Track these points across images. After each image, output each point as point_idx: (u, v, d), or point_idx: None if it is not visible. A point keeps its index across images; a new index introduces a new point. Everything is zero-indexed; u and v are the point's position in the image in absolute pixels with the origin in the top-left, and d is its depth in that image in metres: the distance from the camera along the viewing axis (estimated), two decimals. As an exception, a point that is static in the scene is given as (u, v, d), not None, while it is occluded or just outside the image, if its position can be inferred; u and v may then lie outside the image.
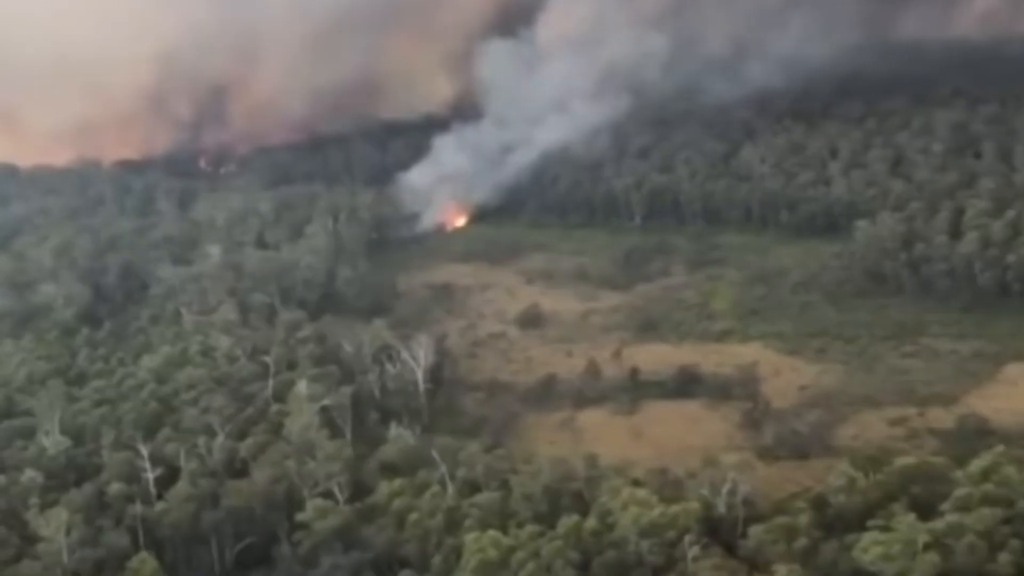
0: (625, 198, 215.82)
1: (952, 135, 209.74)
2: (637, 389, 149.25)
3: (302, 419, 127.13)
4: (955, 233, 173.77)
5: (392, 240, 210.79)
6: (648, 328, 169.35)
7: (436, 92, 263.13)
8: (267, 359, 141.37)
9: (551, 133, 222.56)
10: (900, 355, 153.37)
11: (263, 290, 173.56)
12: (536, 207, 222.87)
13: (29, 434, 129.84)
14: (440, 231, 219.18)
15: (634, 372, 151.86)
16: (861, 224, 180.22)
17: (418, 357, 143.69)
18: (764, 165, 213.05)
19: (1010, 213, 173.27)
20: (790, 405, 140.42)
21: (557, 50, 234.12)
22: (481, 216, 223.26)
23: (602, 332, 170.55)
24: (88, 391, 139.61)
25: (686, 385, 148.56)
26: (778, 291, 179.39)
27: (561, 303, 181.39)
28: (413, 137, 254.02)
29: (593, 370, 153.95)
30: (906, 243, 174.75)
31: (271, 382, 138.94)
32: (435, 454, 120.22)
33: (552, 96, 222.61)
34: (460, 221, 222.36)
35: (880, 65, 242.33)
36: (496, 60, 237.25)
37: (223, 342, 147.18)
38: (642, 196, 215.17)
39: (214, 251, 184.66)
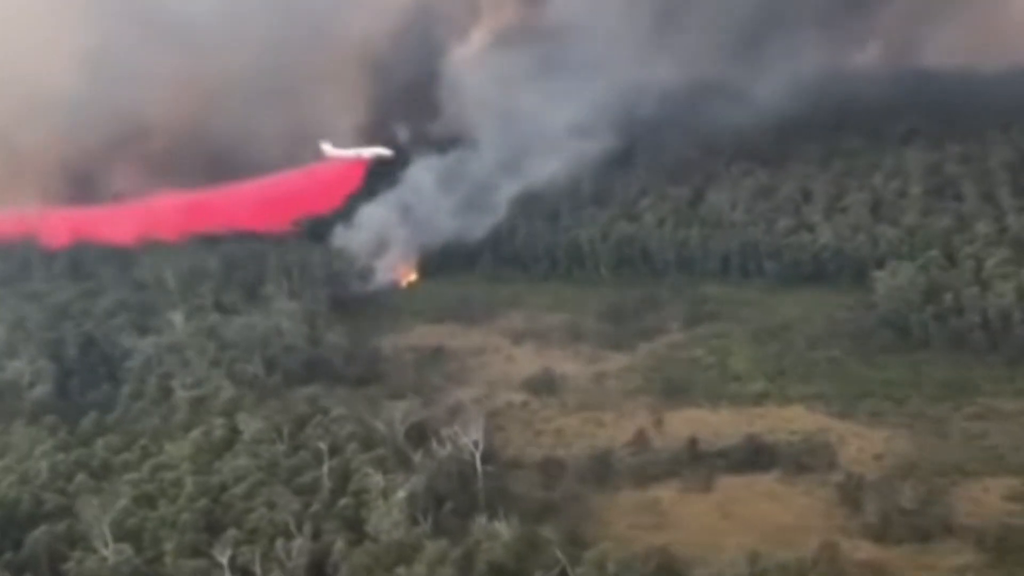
0: (591, 248, 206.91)
1: (927, 177, 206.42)
2: (699, 461, 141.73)
3: (391, 516, 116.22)
4: (980, 283, 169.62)
5: (346, 299, 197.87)
6: (674, 392, 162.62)
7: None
8: (320, 445, 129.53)
9: (535, 172, 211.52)
10: (965, 417, 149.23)
11: (246, 359, 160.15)
12: (491, 259, 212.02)
13: (76, 541, 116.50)
14: (395, 288, 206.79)
15: (693, 443, 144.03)
16: (879, 275, 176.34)
17: (475, 436, 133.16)
18: (736, 211, 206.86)
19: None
20: (877, 477, 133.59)
21: (550, 70, 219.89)
22: (430, 270, 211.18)
23: (625, 398, 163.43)
24: (123, 486, 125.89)
25: (753, 456, 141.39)
26: (795, 347, 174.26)
27: (564, 365, 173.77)
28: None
29: (642, 441, 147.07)
30: (927, 294, 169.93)
31: (326, 469, 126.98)
32: (559, 553, 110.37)
33: (541, 127, 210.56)
34: (412, 276, 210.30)
35: (819, 101, 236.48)
36: (480, 80, 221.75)
37: (252, 424, 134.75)
38: (609, 246, 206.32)
39: (176, 318, 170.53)
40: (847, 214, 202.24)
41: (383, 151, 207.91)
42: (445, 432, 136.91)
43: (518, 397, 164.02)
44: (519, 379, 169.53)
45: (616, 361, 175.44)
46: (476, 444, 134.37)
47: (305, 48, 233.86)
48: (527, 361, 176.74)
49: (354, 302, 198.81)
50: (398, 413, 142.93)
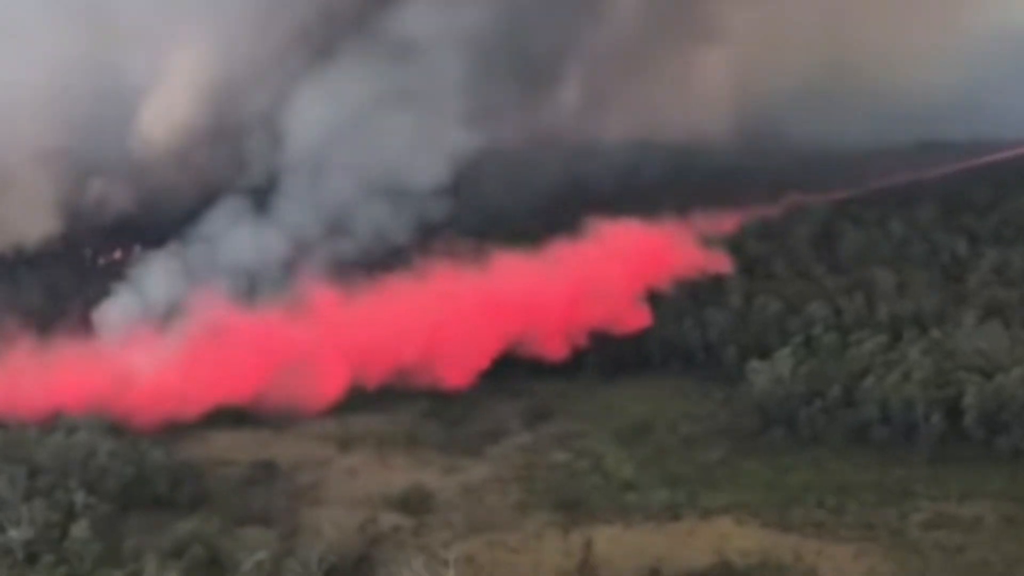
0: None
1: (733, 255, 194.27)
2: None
3: None
4: (863, 373, 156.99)
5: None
6: (568, 506, 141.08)
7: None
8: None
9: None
10: (920, 526, 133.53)
11: (63, 486, 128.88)
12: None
13: None
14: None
15: (655, 573, 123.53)
16: (757, 366, 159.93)
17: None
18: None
19: (911, 344, 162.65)
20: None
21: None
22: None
23: (514, 513, 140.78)
24: None
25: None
26: (672, 448, 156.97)
27: (421, 477, 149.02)
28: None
29: (588, 572, 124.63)
30: (810, 386, 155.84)
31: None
32: None
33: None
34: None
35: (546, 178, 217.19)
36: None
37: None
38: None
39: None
40: (663, 298, 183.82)
41: None
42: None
43: (399, 519, 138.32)
44: (380, 496, 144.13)
45: (475, 470, 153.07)
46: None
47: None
48: (375, 474, 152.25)
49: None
50: (314, 553, 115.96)
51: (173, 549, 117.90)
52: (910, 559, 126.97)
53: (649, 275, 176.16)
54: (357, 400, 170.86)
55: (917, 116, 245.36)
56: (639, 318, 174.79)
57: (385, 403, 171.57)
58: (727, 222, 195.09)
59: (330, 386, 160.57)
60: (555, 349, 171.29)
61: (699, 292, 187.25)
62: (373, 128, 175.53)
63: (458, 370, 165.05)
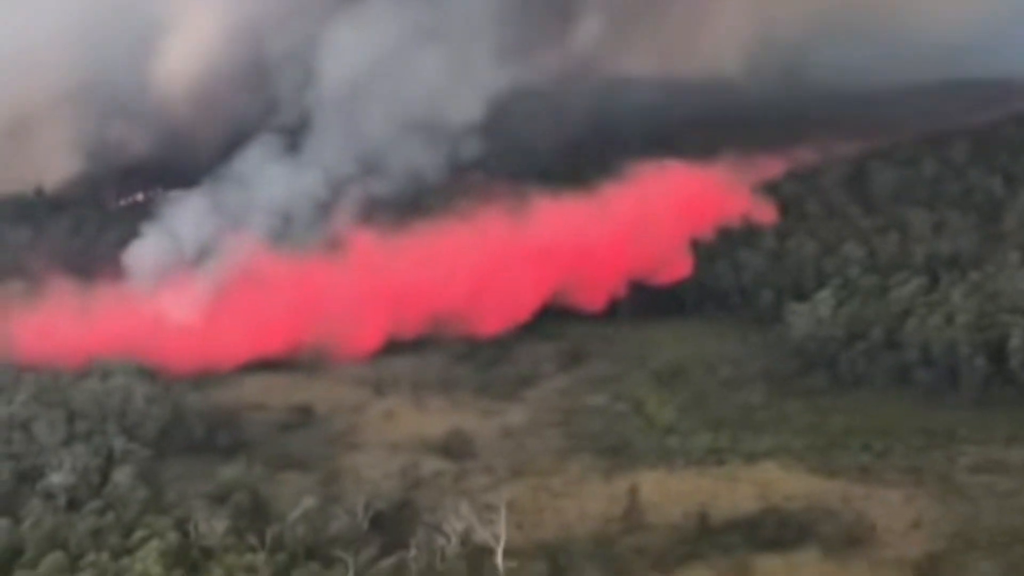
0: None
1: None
2: (715, 539, 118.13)
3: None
4: (904, 315, 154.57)
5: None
6: (613, 451, 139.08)
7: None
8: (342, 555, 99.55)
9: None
10: (968, 471, 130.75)
11: (101, 431, 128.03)
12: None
13: None
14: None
15: (703, 518, 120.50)
16: (797, 308, 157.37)
17: (497, 530, 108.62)
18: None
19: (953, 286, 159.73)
20: (934, 553, 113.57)
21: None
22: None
23: (556, 459, 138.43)
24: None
25: (780, 531, 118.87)
26: (712, 391, 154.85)
27: (459, 421, 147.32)
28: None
29: (635, 518, 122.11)
30: (850, 329, 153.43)
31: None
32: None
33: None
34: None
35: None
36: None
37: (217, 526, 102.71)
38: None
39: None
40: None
41: None
42: (450, 523, 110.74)
43: (441, 464, 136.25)
44: (419, 440, 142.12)
45: (513, 414, 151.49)
46: (497, 538, 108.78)
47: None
48: (411, 418, 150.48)
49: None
50: (361, 499, 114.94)
51: (216, 495, 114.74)
52: (960, 504, 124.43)
53: (696, 222, 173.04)
54: (388, 342, 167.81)
55: (939, 53, 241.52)
56: (682, 267, 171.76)
57: (417, 346, 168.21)
58: (768, 167, 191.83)
59: (368, 337, 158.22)
60: (594, 300, 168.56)
61: (733, 234, 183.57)
62: (405, 65, 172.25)
63: (496, 320, 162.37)
